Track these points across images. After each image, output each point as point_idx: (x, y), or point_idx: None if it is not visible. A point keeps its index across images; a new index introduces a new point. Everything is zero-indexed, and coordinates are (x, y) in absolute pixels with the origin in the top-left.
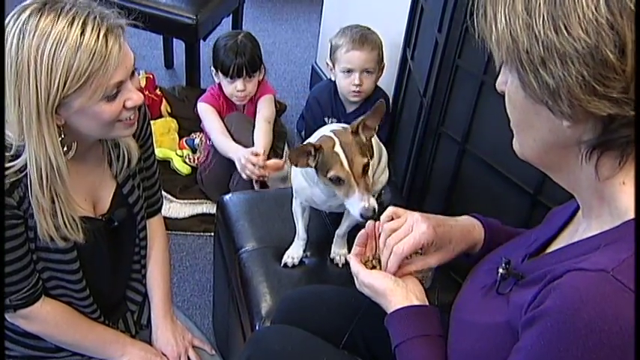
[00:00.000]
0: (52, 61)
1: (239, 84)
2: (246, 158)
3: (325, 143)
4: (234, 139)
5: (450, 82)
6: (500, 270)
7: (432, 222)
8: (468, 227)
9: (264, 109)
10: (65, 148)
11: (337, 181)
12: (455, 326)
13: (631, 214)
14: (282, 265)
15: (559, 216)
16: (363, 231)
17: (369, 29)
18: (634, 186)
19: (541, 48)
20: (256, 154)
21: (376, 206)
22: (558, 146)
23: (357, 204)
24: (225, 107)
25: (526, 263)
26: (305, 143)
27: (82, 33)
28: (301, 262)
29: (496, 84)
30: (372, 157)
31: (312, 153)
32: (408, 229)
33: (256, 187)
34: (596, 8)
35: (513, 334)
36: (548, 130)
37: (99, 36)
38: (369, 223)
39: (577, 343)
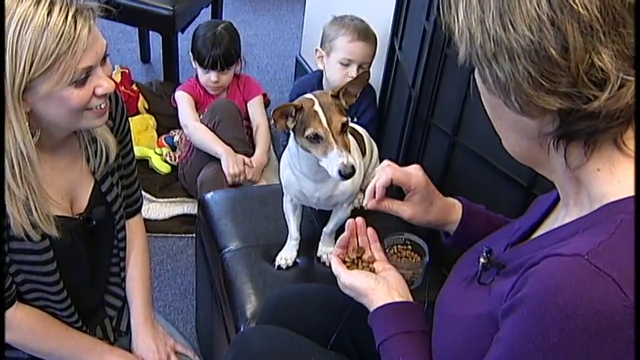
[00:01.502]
0: (17, 41)
1: (212, 75)
2: (245, 164)
3: (305, 103)
4: (216, 131)
5: (439, 72)
6: (482, 259)
7: (427, 178)
8: (449, 203)
9: (261, 116)
10: (32, 136)
11: (315, 138)
12: (438, 320)
13: (608, 199)
14: (275, 267)
15: (542, 204)
16: (345, 234)
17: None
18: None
19: (492, 43)
20: (249, 163)
21: (355, 165)
22: (525, 137)
23: (335, 160)
24: (202, 96)
25: (508, 252)
26: (287, 103)
27: (49, 13)
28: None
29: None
30: (364, 153)
31: (293, 114)
32: (404, 167)
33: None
34: (538, 5)
35: (495, 324)
36: (513, 121)
37: (67, 17)
38: (350, 221)
39: (553, 329)
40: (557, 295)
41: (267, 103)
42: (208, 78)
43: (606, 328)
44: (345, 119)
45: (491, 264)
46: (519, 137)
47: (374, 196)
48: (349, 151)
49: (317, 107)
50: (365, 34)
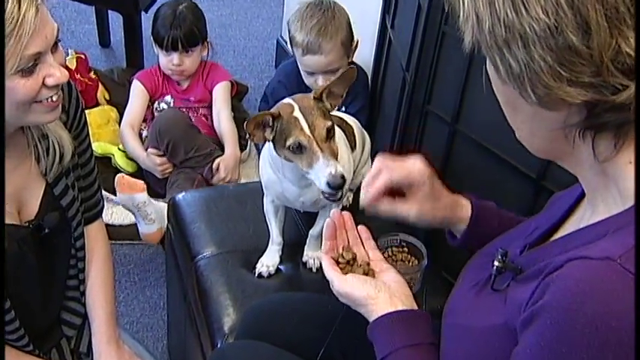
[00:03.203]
0: None
1: (175, 58)
2: (157, 164)
3: (283, 110)
4: (173, 155)
5: (436, 53)
6: (496, 263)
7: (431, 170)
8: (457, 200)
9: (222, 102)
10: None
11: (298, 148)
12: (446, 332)
13: None
14: (256, 275)
15: (563, 201)
16: (329, 220)
17: (331, 10)
18: (634, 181)
19: (503, 29)
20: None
21: (346, 174)
22: (546, 129)
23: (322, 171)
24: (161, 85)
25: (525, 255)
26: (262, 112)
27: None
28: None
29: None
30: (354, 147)
31: (270, 123)
32: (403, 161)
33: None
34: None
35: (512, 336)
36: (532, 114)
37: None
38: (334, 211)
39: (580, 342)
40: (585, 303)
41: (238, 92)
42: (170, 61)
43: None
44: (329, 123)
45: (507, 268)
46: (538, 129)
47: (371, 194)
48: (337, 159)
49: (297, 113)
50: (317, 45)
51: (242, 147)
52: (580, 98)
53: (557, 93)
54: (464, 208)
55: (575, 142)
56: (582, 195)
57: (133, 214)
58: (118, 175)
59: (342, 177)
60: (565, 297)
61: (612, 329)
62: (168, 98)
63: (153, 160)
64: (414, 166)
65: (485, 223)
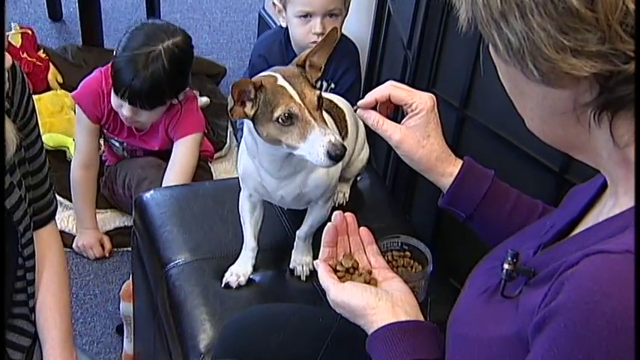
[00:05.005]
0: None
1: (125, 109)
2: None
3: (266, 80)
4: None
5: (442, 28)
6: (506, 266)
7: (434, 106)
8: (449, 153)
9: (183, 157)
10: None
11: (288, 119)
12: (451, 343)
13: None
14: (222, 284)
15: (582, 195)
16: (330, 225)
17: None
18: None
19: (498, 0)
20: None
21: (346, 144)
22: (557, 114)
23: (319, 141)
24: (109, 118)
25: (539, 255)
26: (244, 79)
27: None
28: (250, 279)
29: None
30: (346, 134)
31: (251, 95)
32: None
33: None
34: None
35: (525, 347)
36: (541, 96)
37: None
38: (337, 213)
39: (599, 346)
40: (604, 302)
41: (222, 75)
42: (119, 106)
43: None
44: (319, 92)
45: (518, 271)
46: (549, 114)
47: (366, 99)
48: (332, 130)
49: (282, 82)
50: None
51: (222, 139)
52: (588, 70)
53: (561, 66)
54: (454, 164)
55: (590, 128)
56: (604, 185)
57: (131, 327)
58: (128, 281)
59: (343, 146)
60: (581, 295)
61: (633, 330)
62: (118, 140)
63: (89, 244)
64: (420, 92)
65: (474, 185)
